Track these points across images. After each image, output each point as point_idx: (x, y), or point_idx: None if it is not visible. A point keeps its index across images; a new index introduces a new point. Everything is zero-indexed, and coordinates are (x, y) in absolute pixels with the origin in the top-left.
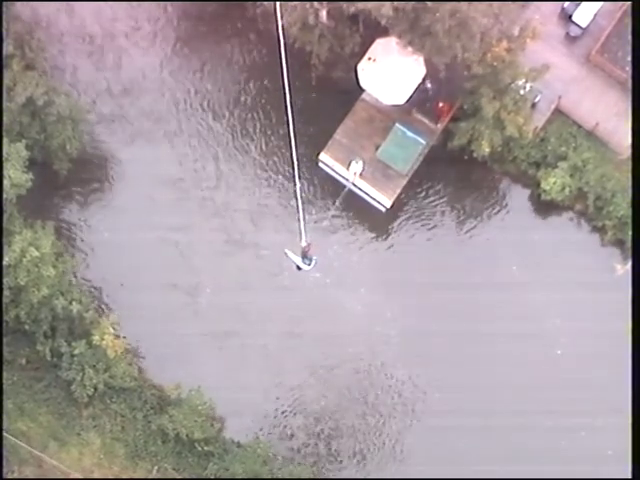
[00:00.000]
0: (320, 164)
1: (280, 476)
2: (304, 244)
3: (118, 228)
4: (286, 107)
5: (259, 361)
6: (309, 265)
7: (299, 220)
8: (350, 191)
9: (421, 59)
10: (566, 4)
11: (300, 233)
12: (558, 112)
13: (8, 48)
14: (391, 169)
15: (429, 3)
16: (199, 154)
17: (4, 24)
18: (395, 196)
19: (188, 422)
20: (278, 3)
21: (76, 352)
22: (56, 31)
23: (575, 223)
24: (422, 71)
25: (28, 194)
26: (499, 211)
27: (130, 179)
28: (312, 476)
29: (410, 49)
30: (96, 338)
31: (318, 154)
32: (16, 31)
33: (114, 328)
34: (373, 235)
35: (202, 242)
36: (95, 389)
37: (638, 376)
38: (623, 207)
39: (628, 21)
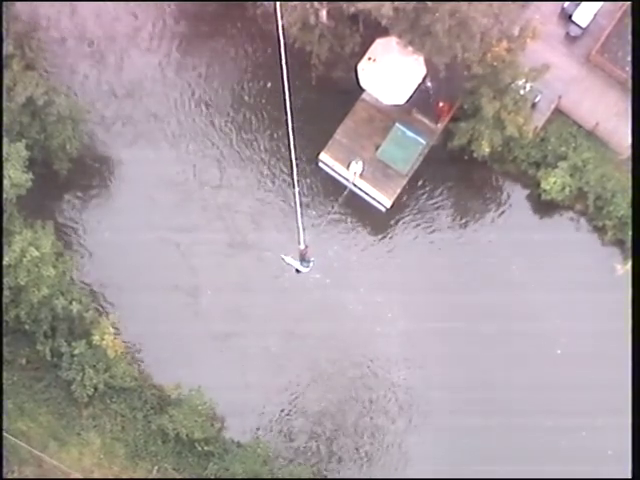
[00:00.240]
0: (320, 164)
1: (280, 476)
2: (302, 247)
3: (118, 228)
4: (285, 108)
5: (259, 361)
6: (307, 267)
7: (297, 223)
8: (350, 191)
9: (421, 59)
10: (566, 4)
11: (298, 236)
12: (558, 112)
13: (8, 48)
14: (391, 169)
15: (429, 3)
16: (200, 155)
17: (4, 24)
18: (395, 196)
19: (188, 422)
20: (278, 3)
21: (76, 352)
22: (56, 32)
23: (575, 223)
24: (422, 71)
25: (28, 194)
26: (499, 211)
27: (130, 179)
28: (312, 476)
29: (410, 49)
30: (96, 338)
31: (318, 154)
32: (16, 31)
33: (114, 328)
34: (373, 235)
35: (203, 243)
36: (95, 389)
37: (638, 376)
38: (623, 207)
39: (628, 21)
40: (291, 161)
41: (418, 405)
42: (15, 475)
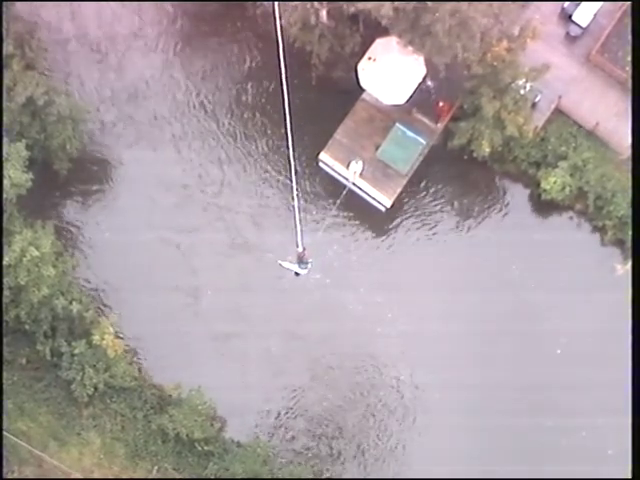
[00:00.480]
0: (320, 164)
1: (280, 476)
2: (300, 250)
3: (118, 228)
4: (284, 109)
5: (259, 362)
6: (305, 269)
7: (296, 226)
8: (350, 191)
9: (421, 59)
10: (566, 4)
11: (297, 239)
12: (558, 112)
13: (8, 48)
14: (391, 169)
15: (429, 3)
16: (200, 155)
17: (4, 24)
18: (395, 196)
19: (188, 422)
20: (276, 3)
21: (76, 352)
22: (57, 33)
23: (575, 223)
24: (422, 71)
25: (28, 194)
26: (499, 211)
27: (130, 179)
28: (312, 476)
29: (410, 49)
30: (96, 338)
31: (318, 154)
32: (16, 31)
33: (114, 328)
34: (373, 235)
35: (203, 243)
36: (95, 389)
37: (638, 376)
38: (623, 207)
39: (628, 21)
40: (290, 164)
41: (418, 405)
42: (15, 475)
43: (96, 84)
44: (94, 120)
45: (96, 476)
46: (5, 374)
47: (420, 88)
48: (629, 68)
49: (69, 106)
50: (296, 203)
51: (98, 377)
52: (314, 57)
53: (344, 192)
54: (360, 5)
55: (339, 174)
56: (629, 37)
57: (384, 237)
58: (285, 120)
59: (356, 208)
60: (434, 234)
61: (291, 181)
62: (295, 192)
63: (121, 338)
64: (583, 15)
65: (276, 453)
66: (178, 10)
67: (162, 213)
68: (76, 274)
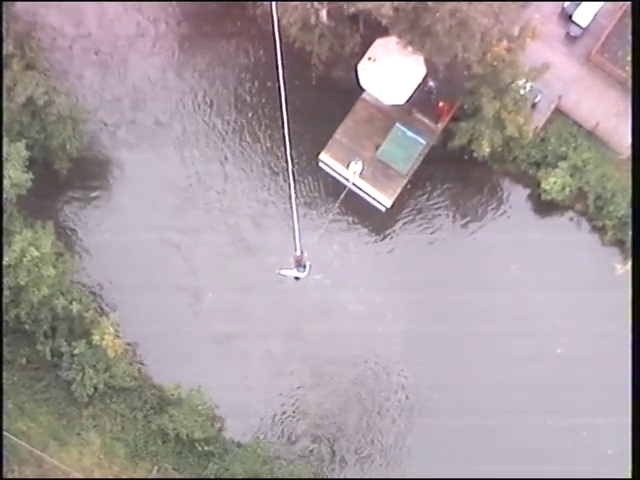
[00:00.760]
0: (320, 164)
1: (280, 476)
2: (298, 253)
3: (119, 228)
4: (281, 109)
5: (260, 362)
6: (303, 272)
7: (294, 230)
8: (350, 191)
9: (421, 59)
10: (566, 4)
11: (295, 242)
12: (558, 112)
13: (8, 48)
14: (391, 169)
15: (429, 3)
16: (201, 156)
17: (4, 24)
18: (395, 196)
19: (188, 422)
20: (274, 3)
21: (76, 352)
22: (57, 33)
23: (575, 223)
24: (422, 71)
25: (28, 194)
26: (499, 211)
27: (131, 179)
28: (312, 476)
29: (410, 49)
30: (96, 338)
31: (318, 154)
32: (16, 31)
33: (114, 328)
34: (373, 235)
35: (204, 244)
36: (95, 389)
37: (638, 376)
38: (623, 207)
39: (628, 21)
40: (287, 168)
41: (418, 405)
42: (15, 475)
43: (97, 84)
44: (95, 120)
45: (96, 476)
46: (5, 374)
47: (420, 88)
48: (629, 68)
49: (69, 106)
50: (294, 207)
51: (98, 377)
52: (314, 57)
53: (344, 192)
54: (360, 5)
55: (339, 174)
56: (629, 37)
57: (384, 237)
58: (282, 121)
59: (356, 208)
60: (434, 234)
61: (289, 185)
62: (293, 196)
63: (121, 338)
64: (583, 15)
65: (276, 453)
66: (178, 10)
67: (162, 213)
68: (76, 274)
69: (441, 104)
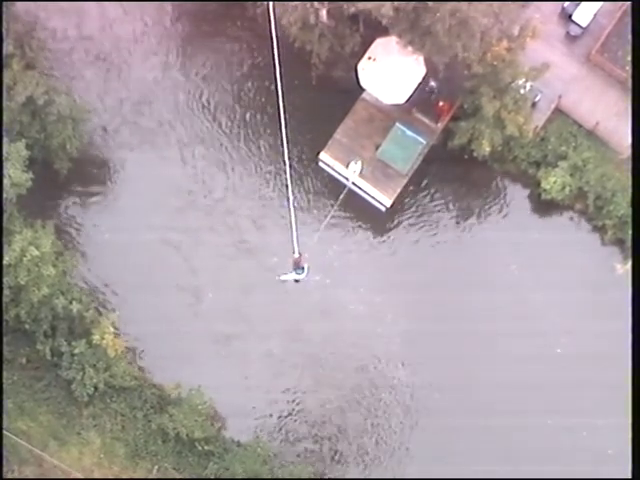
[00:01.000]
0: (320, 164)
1: (280, 476)
2: (296, 255)
3: (119, 228)
4: (279, 109)
5: (260, 362)
6: (302, 274)
7: (292, 233)
8: (350, 191)
9: (421, 59)
10: (566, 3)
11: (293, 245)
12: (558, 111)
13: (8, 48)
14: (391, 168)
15: (429, 3)
16: (201, 157)
17: (4, 24)
18: (395, 195)
19: (188, 421)
20: (271, 3)
21: (76, 351)
22: (57, 33)
23: (575, 223)
24: (422, 70)
25: (28, 194)
26: (499, 210)
27: (131, 179)
28: (312, 476)
29: (410, 48)
30: (96, 337)
31: (318, 153)
32: (16, 31)
33: (114, 327)
34: (373, 235)
35: (205, 244)
36: (95, 388)
37: (638, 376)
38: (623, 206)
39: (628, 21)
40: (286, 170)
41: (418, 405)
42: (15, 474)
43: (97, 85)
44: (95, 121)
45: (96, 476)
46: (5, 374)
47: (420, 88)
48: (629, 68)
49: (69, 106)
50: (292, 209)
51: (98, 377)
52: (314, 57)
53: (344, 192)
54: (360, 5)
55: (339, 174)
56: (629, 37)
57: (384, 237)
58: (280, 122)
59: (356, 208)
60: (434, 234)
61: (287, 187)
62: (291, 198)
63: (121, 338)
64: (583, 15)
65: (276, 453)
66: (178, 10)
67: (163, 214)
68: (76, 274)
69: (441, 104)
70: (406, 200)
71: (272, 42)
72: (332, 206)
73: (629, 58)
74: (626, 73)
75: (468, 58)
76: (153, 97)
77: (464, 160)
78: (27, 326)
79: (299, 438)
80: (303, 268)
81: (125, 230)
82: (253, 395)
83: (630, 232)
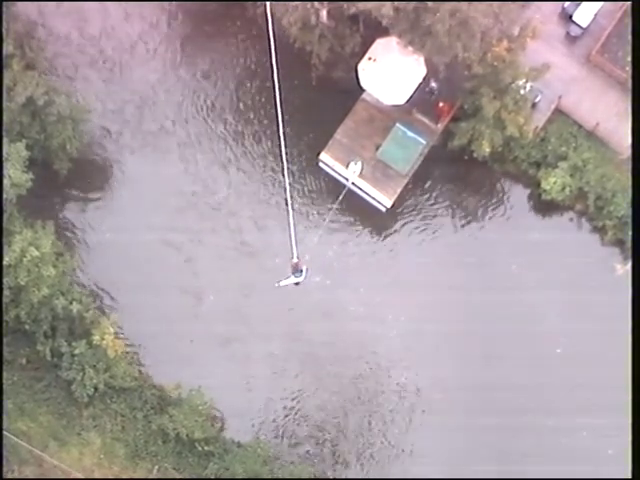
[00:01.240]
0: (320, 164)
1: (280, 476)
2: (295, 260)
3: (119, 228)
4: (276, 109)
5: (260, 363)
6: (301, 277)
7: (290, 237)
8: (350, 191)
9: (421, 59)
10: (566, 4)
11: (291, 249)
12: (558, 112)
13: (8, 48)
14: (391, 169)
15: (429, 3)
16: (202, 157)
17: (4, 24)
18: (395, 196)
19: (188, 422)
20: (268, 3)
21: (76, 352)
22: (57, 34)
23: (575, 223)
24: (422, 71)
25: (28, 194)
26: (499, 211)
27: (131, 180)
28: (312, 476)
29: (410, 49)
30: (96, 338)
31: (318, 154)
32: (16, 31)
33: (114, 328)
34: (373, 235)
35: (206, 245)
36: (95, 389)
37: (638, 376)
38: (623, 207)
39: (628, 21)
40: (284, 174)
41: (419, 405)
42: (15, 475)
43: (98, 86)
44: (95, 122)
45: (96, 476)
46: (5, 374)
47: (420, 88)
48: (629, 68)
49: (69, 106)
50: (290, 215)
51: (98, 377)
52: (314, 57)
53: (344, 192)
54: (360, 5)
55: (339, 174)
56: (629, 37)
57: (384, 237)
58: (278, 123)
59: (356, 208)
60: (434, 234)
61: (285, 190)
62: (290, 202)
63: (121, 338)
64: (583, 15)
65: (277, 453)
66: (177, 10)
67: (163, 214)
68: (76, 274)
69: (441, 104)
70: (406, 201)
71: (269, 42)
72: (332, 207)
73: (629, 58)
74: (626, 74)
75: (468, 58)
76: (153, 98)
77: (464, 160)
78: (27, 327)
79: (299, 438)
80: (301, 271)
81: (125, 230)
82: (253, 396)
83: (630, 232)
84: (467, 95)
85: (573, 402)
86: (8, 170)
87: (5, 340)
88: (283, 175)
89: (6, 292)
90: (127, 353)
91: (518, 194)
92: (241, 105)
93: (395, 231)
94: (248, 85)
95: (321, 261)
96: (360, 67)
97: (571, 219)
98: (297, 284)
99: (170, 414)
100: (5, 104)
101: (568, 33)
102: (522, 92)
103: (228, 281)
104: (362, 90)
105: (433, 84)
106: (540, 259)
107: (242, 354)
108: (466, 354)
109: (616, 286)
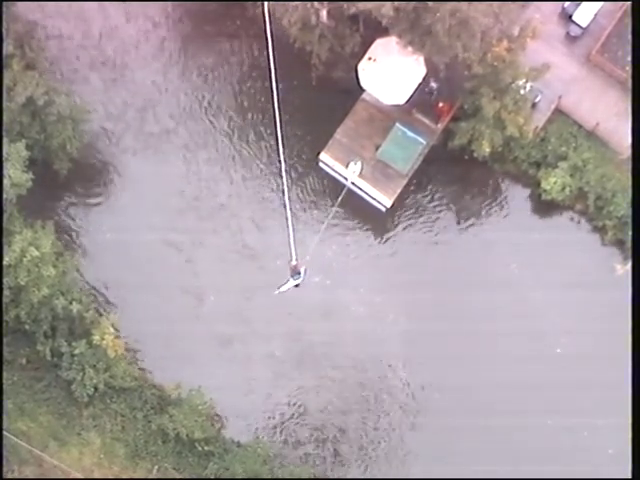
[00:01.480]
0: (320, 164)
1: (280, 476)
2: (294, 262)
3: (119, 228)
4: (274, 110)
5: (261, 363)
6: (300, 278)
7: (289, 240)
8: (350, 191)
9: (421, 59)
10: (566, 4)
11: (290, 252)
12: (558, 112)
13: (8, 48)
14: (391, 169)
15: (429, 3)
16: (203, 157)
17: (4, 24)
18: (395, 196)
19: (188, 422)
20: (266, 3)
21: (76, 352)
22: (57, 34)
23: (575, 223)
24: (422, 71)
25: (28, 194)
26: (499, 211)
27: (131, 180)
28: (312, 476)
29: (410, 49)
30: (96, 338)
31: (318, 154)
32: (16, 31)
33: (114, 328)
34: (373, 235)
35: (206, 246)
36: (95, 389)
37: (638, 376)
38: (623, 207)
39: (628, 21)
40: (282, 176)
41: (419, 405)
42: (15, 475)
43: (98, 86)
44: (95, 122)
45: (96, 476)
46: (5, 374)
47: (420, 88)
48: (629, 68)
49: (69, 106)
50: (289, 219)
51: (98, 377)
52: (314, 57)
53: (344, 192)
54: (360, 5)
55: (339, 174)
56: (629, 37)
57: (384, 237)
58: (276, 123)
59: (356, 208)
60: (434, 234)
61: (283, 192)
62: (288, 205)
63: (121, 338)
64: (583, 15)
65: (277, 454)
66: (178, 10)
67: (163, 214)
68: (76, 274)
69: (441, 104)
70: (406, 200)
71: (267, 42)
72: (332, 207)
73: (629, 58)
74: (626, 73)
75: (468, 58)
76: (154, 98)
77: (464, 160)
78: (27, 327)
79: (300, 438)
80: (299, 273)
81: (126, 230)
82: (254, 396)
83: (630, 232)
84: (467, 95)
85: (573, 402)
86: (8, 170)
87: (5, 340)
88: (281, 176)
89: (6, 292)
90: (127, 353)
91: (518, 194)
92: (242, 105)
93: (395, 231)
94: (249, 85)
95: (321, 261)
96: (360, 67)
97: (571, 219)
98: (297, 286)
99: (170, 414)
100: (5, 104)
101: (568, 33)
102: (522, 92)
103: (229, 281)
104: (362, 90)
105: (433, 84)
106: (540, 259)
107: (242, 354)
108: (466, 354)
109: (616, 286)
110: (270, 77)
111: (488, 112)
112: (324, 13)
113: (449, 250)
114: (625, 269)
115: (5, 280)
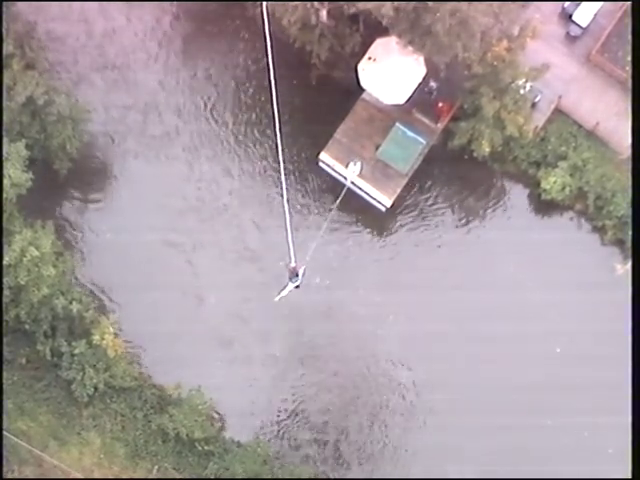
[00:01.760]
0: (320, 164)
1: (280, 476)
2: (293, 265)
3: (119, 228)
4: (272, 110)
5: (261, 364)
6: (298, 280)
7: (288, 243)
8: (350, 191)
9: (421, 59)
10: (566, 4)
11: (289, 254)
12: (558, 112)
13: (8, 48)
14: (391, 169)
15: (429, 3)
16: (203, 158)
17: (4, 24)
18: (395, 196)
19: (188, 422)
20: (265, 3)
21: (76, 352)
22: (57, 34)
23: (575, 223)
24: (422, 71)
25: (28, 194)
26: (499, 211)
27: (131, 180)
28: (313, 476)
29: (410, 49)
30: (96, 338)
31: (318, 154)
32: (16, 31)
33: (114, 328)
34: (373, 235)
35: (206, 246)
36: (95, 389)
37: (638, 376)
38: (623, 207)
39: (628, 21)
40: (281, 177)
41: (419, 405)
42: (15, 475)
43: (98, 86)
44: (95, 122)
45: (96, 476)
46: (5, 374)
47: (420, 88)
48: (629, 68)
49: (69, 106)
50: (288, 221)
51: (98, 377)
52: (314, 57)
53: (344, 192)
54: (360, 5)
55: (339, 174)
56: (629, 37)
57: (384, 237)
58: (275, 123)
59: (356, 208)
60: (434, 234)
61: (282, 196)
62: (287, 207)
63: (121, 338)
64: (583, 15)
65: (277, 454)
66: (178, 10)
67: (164, 214)
68: (76, 274)
69: (441, 104)
70: (406, 200)
71: (266, 42)
72: (332, 206)
73: (629, 58)
74: (626, 73)
75: (468, 58)
76: (154, 98)
77: (464, 160)
78: (27, 326)
79: (300, 438)
80: (298, 274)
81: (126, 231)
82: (254, 396)
83: (630, 232)
84: (467, 95)
85: (573, 402)
86: (8, 170)
87: (5, 340)
88: (286, 173)
89: (6, 292)
90: (127, 353)
91: (518, 194)
92: (242, 105)
93: (395, 231)
94: (249, 85)
95: (321, 261)
96: (360, 67)
97: (571, 219)
98: (297, 287)
99: (170, 414)
100: (5, 104)
101: (568, 33)
102: (522, 92)
103: (229, 282)
104: (362, 90)
105: (433, 84)
106: (540, 259)
107: (242, 354)
108: (466, 354)
109: (616, 286)
110: (269, 77)
111: (488, 112)
112: (324, 13)
113: (449, 250)
114: (625, 269)
115: (5, 280)
